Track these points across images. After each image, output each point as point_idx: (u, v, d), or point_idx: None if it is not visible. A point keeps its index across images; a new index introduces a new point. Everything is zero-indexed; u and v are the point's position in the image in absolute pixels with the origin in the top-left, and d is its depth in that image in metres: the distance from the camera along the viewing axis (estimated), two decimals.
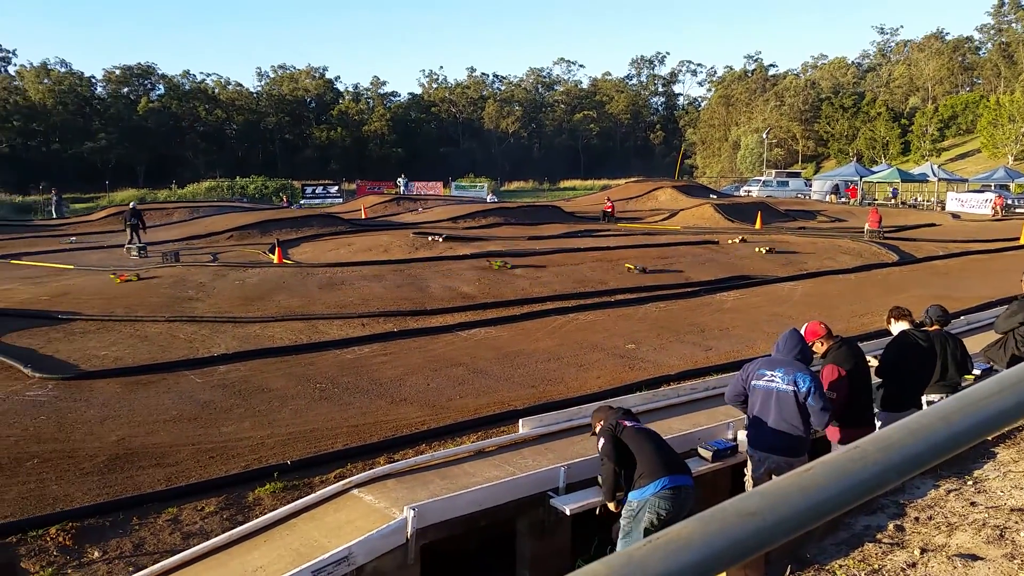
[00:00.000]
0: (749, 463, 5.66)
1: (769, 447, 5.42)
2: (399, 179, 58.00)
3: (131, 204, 26.56)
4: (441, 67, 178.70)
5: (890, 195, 48.11)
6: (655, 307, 14.55)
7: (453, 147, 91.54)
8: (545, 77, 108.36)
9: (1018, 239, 24.97)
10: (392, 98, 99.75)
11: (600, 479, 5.29)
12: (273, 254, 20.00)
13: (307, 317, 12.92)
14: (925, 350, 6.47)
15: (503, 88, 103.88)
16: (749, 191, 51.56)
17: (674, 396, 8.31)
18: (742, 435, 6.53)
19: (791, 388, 5.34)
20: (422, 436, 7.70)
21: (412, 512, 5.15)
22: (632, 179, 60.14)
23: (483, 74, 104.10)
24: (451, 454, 6.73)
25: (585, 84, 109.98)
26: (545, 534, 5.92)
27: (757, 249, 21.69)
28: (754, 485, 5.38)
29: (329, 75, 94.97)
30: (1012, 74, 79.42)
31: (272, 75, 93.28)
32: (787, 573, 3.11)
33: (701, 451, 6.52)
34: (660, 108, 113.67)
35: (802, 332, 5.87)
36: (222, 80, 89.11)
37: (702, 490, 6.06)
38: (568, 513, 5.58)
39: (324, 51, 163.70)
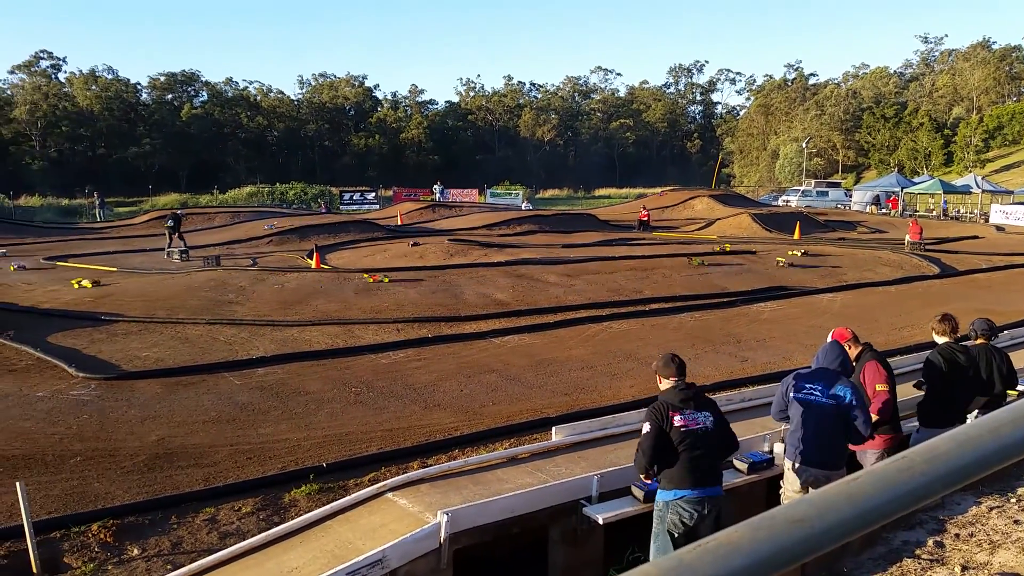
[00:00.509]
0: (786, 476, 5.58)
1: (807, 460, 5.34)
2: (435, 186, 58.42)
3: (175, 210, 26.99)
4: (479, 75, 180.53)
5: (940, 207, 47.04)
6: (690, 317, 14.45)
7: (489, 155, 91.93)
8: (582, 85, 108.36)
9: None
10: (430, 106, 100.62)
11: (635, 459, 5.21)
12: (311, 259, 20.27)
13: (343, 322, 13.07)
14: (963, 365, 6.32)
15: (540, 96, 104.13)
16: (788, 201, 50.92)
17: None
18: (778, 447, 6.46)
19: (832, 401, 5.27)
20: (455, 442, 7.75)
21: (446, 517, 5.18)
22: (668, 188, 59.83)
23: (520, 82, 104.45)
24: (484, 460, 6.74)
25: (622, 92, 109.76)
26: (578, 543, 5.90)
27: (791, 252, 21.60)
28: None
29: (368, 83, 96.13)
30: None
31: (313, 83, 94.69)
32: None
33: (737, 463, 6.45)
34: (698, 117, 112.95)
35: (829, 337, 5.83)
36: (264, 88, 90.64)
37: (737, 502, 6.00)
38: (601, 522, 5.55)
39: (364, 59, 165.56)
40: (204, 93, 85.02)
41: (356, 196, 56.03)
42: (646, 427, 4.90)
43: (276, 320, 13.04)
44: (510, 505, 5.57)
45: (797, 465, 5.41)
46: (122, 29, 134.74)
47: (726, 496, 6.34)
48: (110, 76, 78.19)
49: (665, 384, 5.04)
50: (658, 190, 59.07)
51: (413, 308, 14.29)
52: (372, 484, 6.36)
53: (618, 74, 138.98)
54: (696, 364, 11.21)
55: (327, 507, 5.92)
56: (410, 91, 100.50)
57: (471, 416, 8.68)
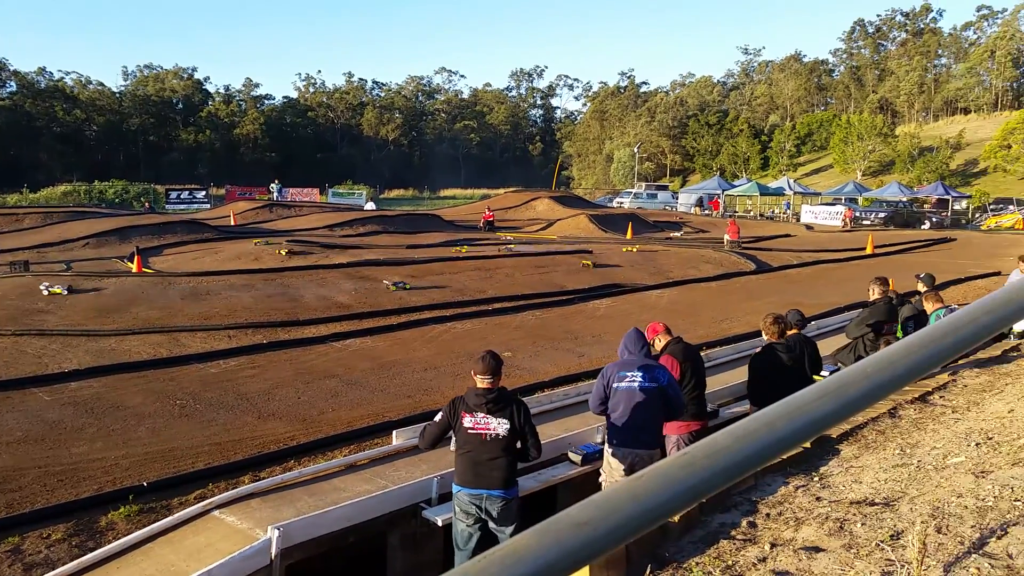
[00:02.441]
0: (609, 463, 5.81)
1: (634, 443, 5.65)
2: (272, 185, 56.10)
3: None
4: (319, 71, 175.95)
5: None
6: (531, 315, 14.75)
7: (331, 153, 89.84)
8: (426, 85, 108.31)
9: (864, 249, 26.98)
10: (266, 101, 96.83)
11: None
12: (132, 262, 18.88)
13: (168, 329, 12.26)
14: (786, 364, 6.80)
15: (383, 95, 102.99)
16: (621, 203, 53.30)
17: (547, 402, 8.42)
18: None
19: (654, 384, 5.64)
20: (290, 452, 7.45)
21: (277, 532, 4.96)
22: (511, 189, 60.99)
23: (362, 80, 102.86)
24: (320, 469, 6.54)
25: (466, 94, 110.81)
26: (417, 547, 5.85)
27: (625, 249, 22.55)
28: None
29: (198, 75, 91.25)
30: (861, 95, 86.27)
31: (137, 75, 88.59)
32: (647, 573, 3.21)
33: (571, 455, 6.64)
34: (539, 120, 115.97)
35: (645, 331, 6.19)
36: (82, 79, 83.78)
37: (572, 494, 6.17)
38: (440, 524, 5.53)
39: (194, 52, 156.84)
40: (12, 83, 77.28)
41: (184, 195, 52.87)
42: (438, 417, 5.11)
43: (92, 329, 12.04)
44: (346, 514, 5.43)
45: (622, 450, 5.67)
46: None
47: (564, 488, 6.53)
48: None
49: (476, 381, 5.06)
50: (502, 191, 60.11)
51: (247, 313, 13.65)
52: (198, 502, 5.99)
53: (462, 76, 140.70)
54: (536, 361, 11.48)
55: (147, 529, 5.51)
56: (244, 85, 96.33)
57: (308, 424, 8.40)
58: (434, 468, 6.29)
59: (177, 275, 17.01)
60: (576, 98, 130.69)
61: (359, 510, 5.48)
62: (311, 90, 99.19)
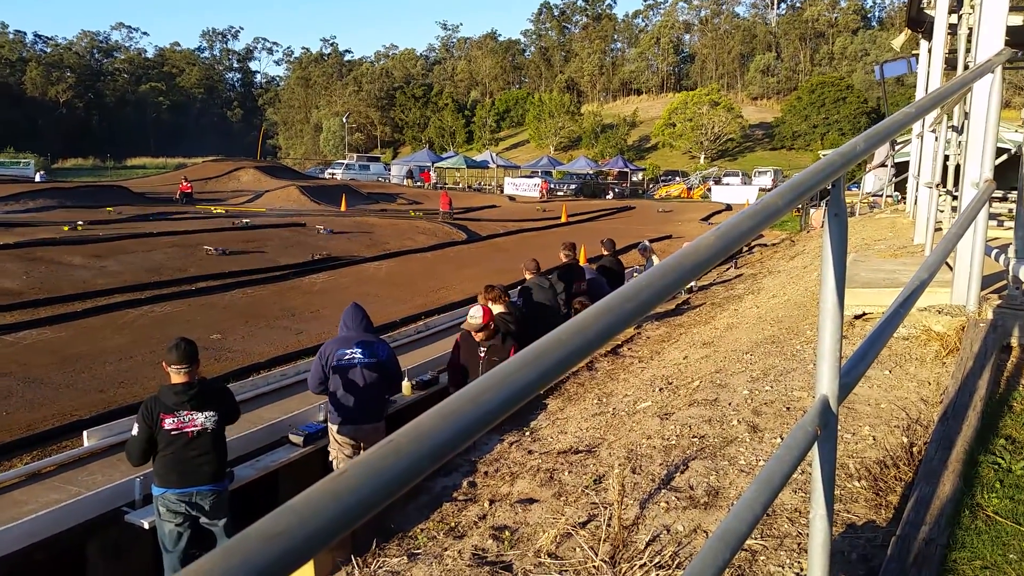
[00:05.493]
0: (336, 441, 5.76)
1: (357, 419, 5.62)
2: None
3: None
4: None
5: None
6: (242, 293, 14.00)
7: None
8: (102, 42, 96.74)
9: (560, 218, 29.29)
10: None
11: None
12: None
13: None
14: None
15: (49, 50, 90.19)
16: (334, 174, 52.27)
17: (264, 384, 8.05)
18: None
19: (373, 359, 5.64)
20: None
21: None
22: (211, 158, 57.05)
23: (20, 32, 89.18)
24: None
25: (151, 53, 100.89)
26: (122, 554, 5.30)
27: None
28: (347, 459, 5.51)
29: None
30: (551, 75, 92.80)
31: None
32: (373, 547, 3.20)
33: (292, 437, 6.41)
34: (237, 85, 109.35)
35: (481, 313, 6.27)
36: None
37: (293, 478, 5.99)
38: (147, 527, 5.05)
39: None
40: None
41: None
42: (135, 429, 4.55)
43: None
44: (30, 530, 4.76)
45: (350, 426, 5.64)
46: None
47: (286, 472, 6.30)
48: None
49: (171, 375, 4.57)
50: (200, 160, 56.00)
51: None
52: None
53: (144, 33, 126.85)
54: (250, 342, 10.93)
55: None
56: None
57: None
58: (136, 468, 5.71)
59: None
60: (277, 63, 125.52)
61: (47, 523, 4.83)
62: None
